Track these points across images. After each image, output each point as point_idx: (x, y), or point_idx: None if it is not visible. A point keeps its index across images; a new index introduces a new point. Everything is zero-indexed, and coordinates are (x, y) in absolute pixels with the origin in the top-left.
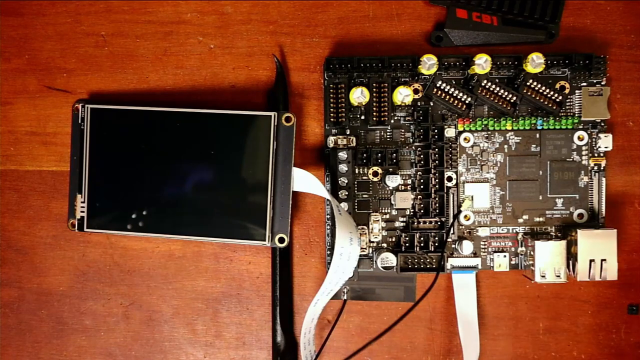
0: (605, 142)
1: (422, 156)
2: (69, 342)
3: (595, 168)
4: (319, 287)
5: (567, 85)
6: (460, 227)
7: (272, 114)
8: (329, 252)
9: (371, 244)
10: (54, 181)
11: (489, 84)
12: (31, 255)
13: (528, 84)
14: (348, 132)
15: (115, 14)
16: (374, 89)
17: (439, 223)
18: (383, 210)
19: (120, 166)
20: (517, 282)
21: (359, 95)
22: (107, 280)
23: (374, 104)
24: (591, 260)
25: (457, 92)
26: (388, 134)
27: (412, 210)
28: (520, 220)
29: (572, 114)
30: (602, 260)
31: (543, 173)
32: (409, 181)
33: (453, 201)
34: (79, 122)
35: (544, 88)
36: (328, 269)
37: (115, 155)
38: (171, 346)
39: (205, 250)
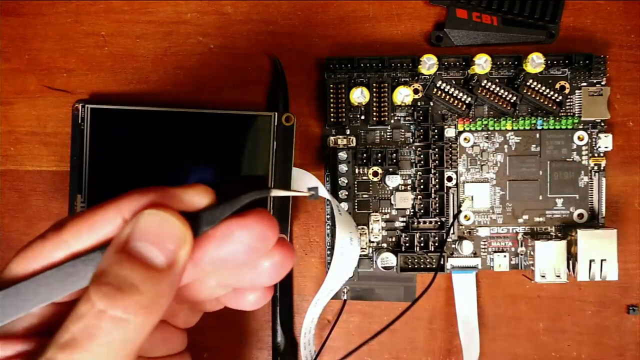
0: (605, 142)
1: (422, 156)
2: None
3: (595, 168)
4: (319, 287)
5: (567, 85)
6: (460, 227)
7: (272, 114)
8: (329, 252)
9: (371, 244)
10: (54, 181)
11: (489, 84)
12: None
13: (528, 84)
14: (348, 132)
15: (115, 14)
16: (374, 89)
17: (439, 223)
18: (383, 210)
19: (120, 166)
20: (517, 282)
21: (359, 95)
22: None
23: (374, 104)
24: (591, 260)
25: (457, 92)
26: (388, 134)
27: (412, 210)
28: (520, 220)
29: (572, 114)
30: (602, 260)
31: (543, 173)
32: (409, 181)
33: (453, 201)
34: (79, 122)
35: (544, 88)
36: (328, 269)
37: (115, 155)
38: None
39: None
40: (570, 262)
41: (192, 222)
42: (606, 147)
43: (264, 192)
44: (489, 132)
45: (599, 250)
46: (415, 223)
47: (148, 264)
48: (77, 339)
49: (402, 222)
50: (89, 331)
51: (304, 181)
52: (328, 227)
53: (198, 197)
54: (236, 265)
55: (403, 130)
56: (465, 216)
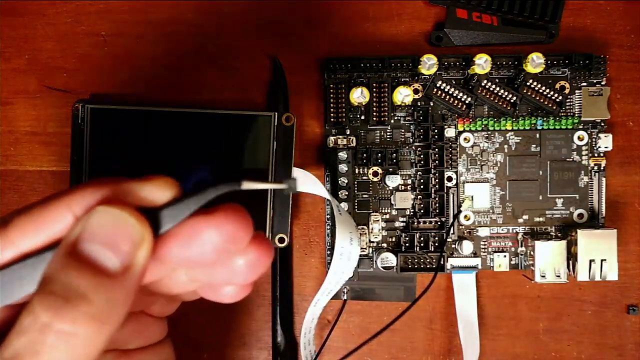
0: (605, 142)
1: (422, 156)
2: None
3: (595, 168)
4: (319, 287)
5: (567, 85)
6: (460, 227)
7: (272, 114)
8: (329, 252)
9: (371, 244)
10: (54, 181)
11: (489, 84)
12: None
13: (528, 84)
14: (348, 132)
15: (115, 14)
16: (374, 89)
17: (439, 223)
18: (383, 210)
19: (120, 166)
20: (517, 282)
21: (359, 95)
22: None
23: (374, 104)
24: (591, 260)
25: (457, 92)
26: (388, 134)
27: (412, 210)
28: (520, 220)
29: (572, 114)
30: (602, 260)
31: (543, 173)
32: (409, 181)
33: (453, 201)
34: (79, 122)
35: (544, 88)
36: (328, 269)
37: (115, 155)
38: None
39: None
40: (570, 262)
41: (151, 220)
42: (606, 147)
43: (234, 184)
44: (489, 132)
45: (599, 250)
46: (415, 223)
47: (99, 268)
48: (20, 356)
49: (402, 222)
50: (32, 347)
51: (304, 181)
52: (328, 227)
53: (159, 191)
54: (206, 264)
55: (403, 130)
56: (465, 216)
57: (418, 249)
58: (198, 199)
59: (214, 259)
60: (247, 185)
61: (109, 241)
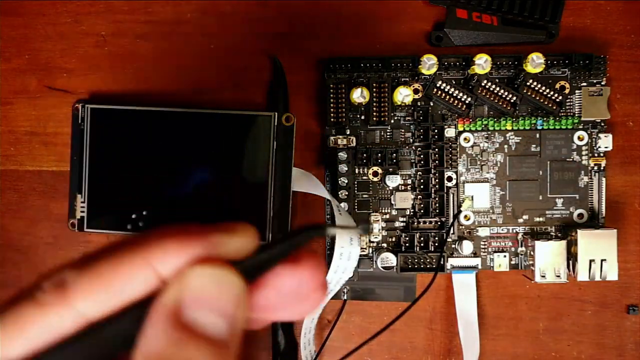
0: (605, 142)
1: (422, 156)
2: None
3: (595, 168)
4: None
5: (567, 85)
6: (460, 227)
7: (272, 114)
8: (329, 252)
9: (371, 244)
10: (54, 181)
11: (489, 84)
12: (31, 255)
13: (528, 84)
14: (348, 132)
15: (115, 14)
16: (374, 89)
17: (439, 223)
18: (383, 210)
19: (120, 166)
20: (517, 282)
21: (359, 95)
22: None
23: (374, 104)
24: (591, 260)
25: (457, 92)
26: (388, 134)
27: (412, 210)
28: (520, 220)
29: (572, 114)
30: (602, 260)
31: (543, 173)
32: (409, 181)
33: (453, 201)
34: (79, 122)
35: (544, 88)
36: (328, 269)
37: (115, 155)
38: None
39: None
40: (570, 262)
41: (243, 274)
42: (606, 147)
43: (320, 230)
44: (489, 132)
45: (599, 250)
46: (415, 223)
47: (211, 338)
48: None
49: (402, 222)
50: None
51: (304, 181)
52: None
53: (244, 242)
54: (275, 309)
55: (403, 130)
56: (465, 216)
57: (418, 249)
58: (283, 249)
59: (283, 304)
60: (330, 230)
61: (214, 305)
